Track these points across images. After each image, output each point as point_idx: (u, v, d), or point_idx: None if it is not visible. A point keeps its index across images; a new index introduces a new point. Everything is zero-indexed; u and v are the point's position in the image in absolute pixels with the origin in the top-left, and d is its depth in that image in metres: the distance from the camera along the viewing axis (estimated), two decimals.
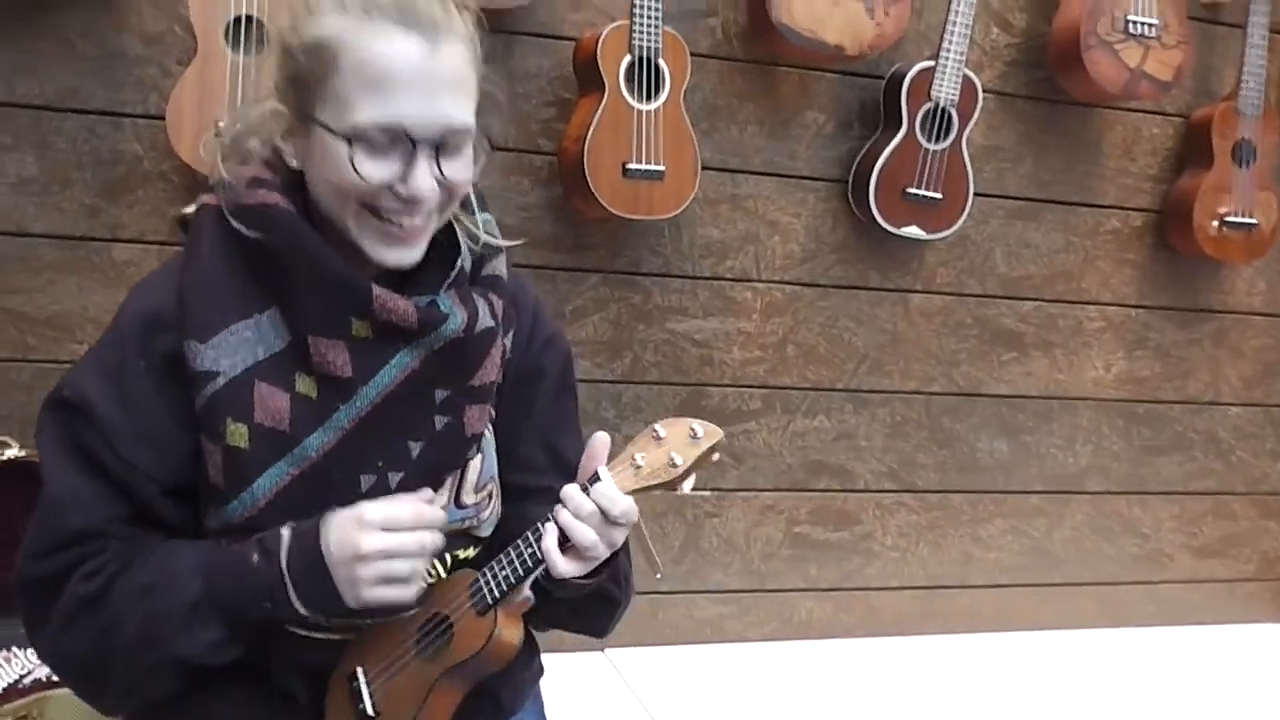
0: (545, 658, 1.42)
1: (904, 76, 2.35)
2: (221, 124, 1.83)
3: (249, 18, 1.88)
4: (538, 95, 2.26)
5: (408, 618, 1.19)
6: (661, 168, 2.17)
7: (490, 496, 1.27)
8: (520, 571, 1.15)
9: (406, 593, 1.11)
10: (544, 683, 1.44)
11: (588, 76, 2.17)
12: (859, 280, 2.55)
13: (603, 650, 2.42)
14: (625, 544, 1.23)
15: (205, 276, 1.14)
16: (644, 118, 2.16)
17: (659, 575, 1.21)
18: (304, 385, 1.14)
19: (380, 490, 1.16)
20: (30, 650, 1.85)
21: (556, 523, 1.12)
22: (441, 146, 1.10)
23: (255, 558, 1.11)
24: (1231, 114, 2.62)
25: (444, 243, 1.21)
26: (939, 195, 2.41)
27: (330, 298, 1.13)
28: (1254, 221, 2.65)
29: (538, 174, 2.28)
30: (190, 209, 1.20)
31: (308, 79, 1.09)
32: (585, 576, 1.15)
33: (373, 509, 1.11)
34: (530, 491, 1.29)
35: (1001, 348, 2.70)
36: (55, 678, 1.83)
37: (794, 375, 2.54)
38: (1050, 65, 2.54)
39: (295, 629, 1.18)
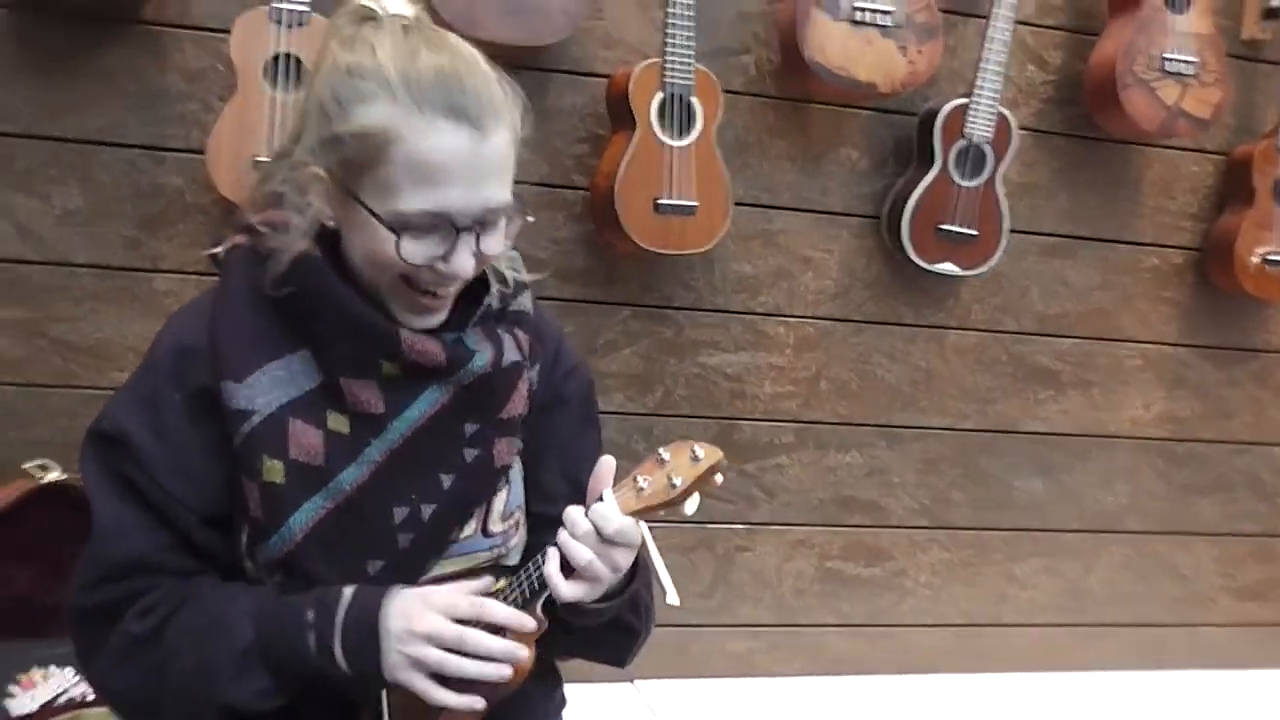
0: (574, 687, 1.42)
1: (937, 113, 2.35)
2: (258, 159, 1.88)
3: (287, 55, 1.92)
4: (571, 131, 2.28)
5: None
6: (694, 202, 2.19)
7: (516, 525, 1.29)
8: (526, 594, 1.16)
9: (430, 688, 1.11)
10: (573, 712, 1.44)
11: (620, 113, 2.19)
12: (892, 316, 2.55)
13: (632, 681, 2.42)
14: (645, 576, 1.24)
15: (237, 319, 1.17)
16: (675, 154, 2.17)
17: (672, 602, 1.21)
18: (336, 422, 1.16)
19: (413, 522, 1.18)
20: (67, 669, 1.89)
21: (557, 544, 1.14)
22: (482, 225, 1.11)
23: (310, 614, 1.12)
24: (1272, 151, 2.59)
25: (471, 280, 1.23)
26: (974, 231, 2.40)
27: (360, 343, 1.15)
28: None
29: (570, 209, 2.30)
30: (220, 249, 1.22)
31: (355, 162, 1.09)
32: (600, 603, 1.16)
33: (439, 593, 1.13)
34: (551, 521, 1.28)
35: (1037, 385, 2.67)
36: (91, 696, 1.87)
37: (826, 410, 2.54)
38: (1086, 103, 2.53)
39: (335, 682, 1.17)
